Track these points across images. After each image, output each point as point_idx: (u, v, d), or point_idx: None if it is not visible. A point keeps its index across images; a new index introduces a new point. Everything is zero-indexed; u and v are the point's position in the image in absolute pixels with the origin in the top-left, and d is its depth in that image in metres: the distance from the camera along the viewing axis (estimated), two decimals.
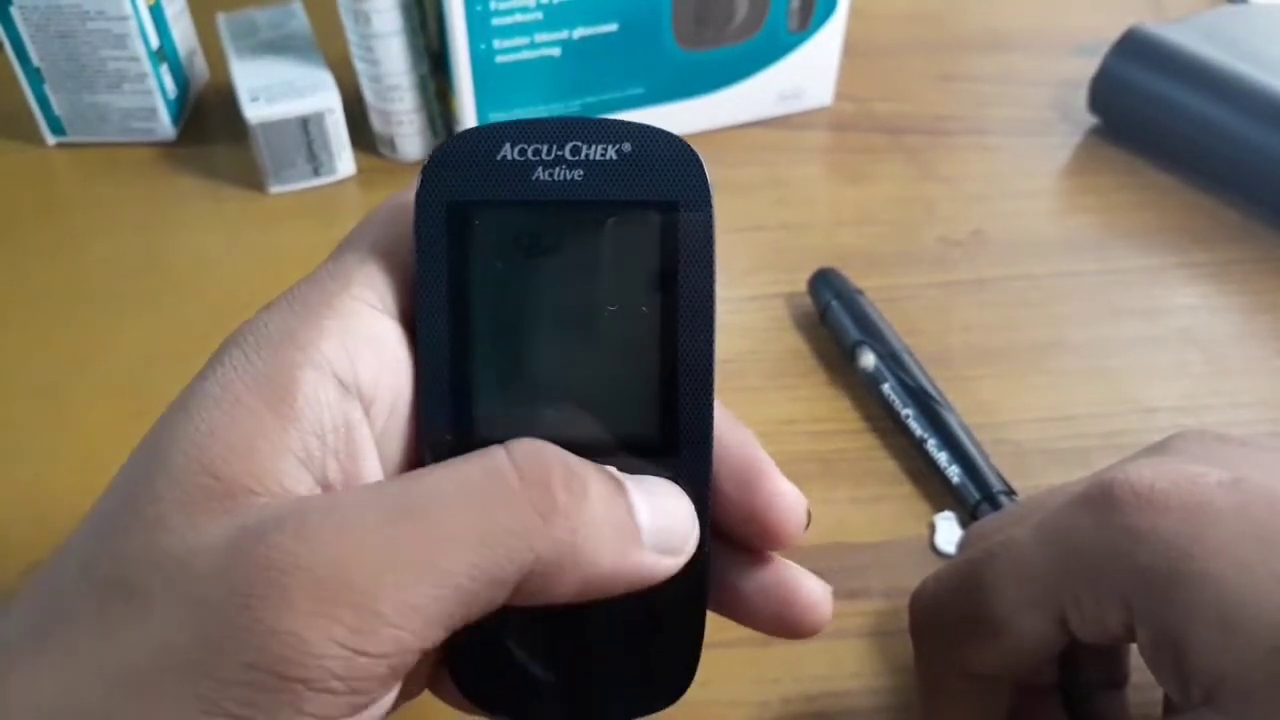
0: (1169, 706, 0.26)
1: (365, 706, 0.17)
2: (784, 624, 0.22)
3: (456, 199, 0.21)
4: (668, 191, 0.21)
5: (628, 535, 0.19)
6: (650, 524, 0.20)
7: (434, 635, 0.18)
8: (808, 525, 0.22)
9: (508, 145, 0.21)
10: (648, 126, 0.21)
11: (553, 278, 0.21)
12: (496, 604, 0.18)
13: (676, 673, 0.22)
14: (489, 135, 0.21)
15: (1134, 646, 0.23)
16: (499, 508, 0.18)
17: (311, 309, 0.20)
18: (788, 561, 0.23)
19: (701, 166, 0.21)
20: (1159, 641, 0.22)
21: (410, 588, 0.17)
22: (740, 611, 0.23)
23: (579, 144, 0.21)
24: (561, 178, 0.21)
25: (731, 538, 0.22)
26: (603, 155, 0.21)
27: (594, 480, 0.19)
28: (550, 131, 0.21)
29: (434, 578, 0.17)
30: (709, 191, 0.21)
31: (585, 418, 0.21)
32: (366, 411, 0.20)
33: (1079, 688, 0.28)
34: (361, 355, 0.20)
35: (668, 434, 0.21)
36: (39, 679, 0.17)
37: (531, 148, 0.21)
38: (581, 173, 0.21)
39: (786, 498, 0.22)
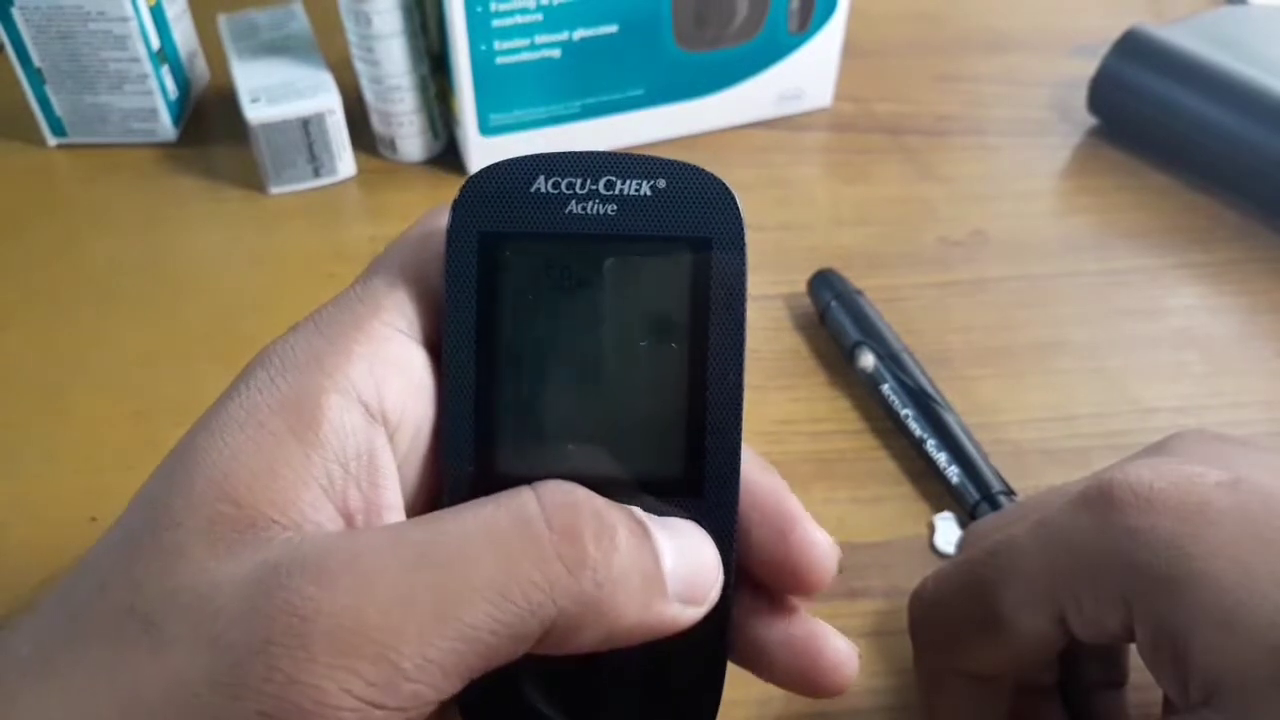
0: (1168, 706, 0.26)
1: None
2: (807, 681, 0.22)
3: (489, 229, 0.21)
4: (702, 229, 0.21)
5: (653, 587, 0.19)
6: (675, 573, 0.19)
7: (451, 687, 0.17)
8: (839, 572, 0.22)
9: (542, 178, 0.21)
10: (683, 163, 0.21)
11: (583, 312, 0.21)
12: (517, 655, 0.18)
13: (696, 717, 0.22)
14: (523, 167, 0.21)
15: (1133, 646, 0.23)
16: (525, 559, 0.18)
17: (340, 332, 0.20)
18: (815, 618, 0.22)
19: (736, 205, 0.21)
20: (1158, 641, 0.22)
21: (430, 640, 0.17)
22: (763, 665, 0.22)
23: (613, 179, 0.21)
24: (595, 212, 0.21)
25: (758, 583, 0.22)
26: (637, 190, 0.21)
27: (622, 528, 0.19)
28: (585, 165, 0.21)
29: (455, 630, 0.17)
30: (743, 231, 0.21)
31: (610, 456, 0.21)
32: (391, 438, 0.20)
33: (1079, 687, 0.28)
34: (388, 381, 0.20)
35: (694, 475, 0.21)
36: (49, 697, 0.17)
37: (566, 181, 0.21)
38: (615, 208, 0.21)
39: (820, 546, 0.21)
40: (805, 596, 0.22)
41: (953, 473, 0.36)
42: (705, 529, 0.21)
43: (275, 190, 0.51)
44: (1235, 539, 0.21)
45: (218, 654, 0.16)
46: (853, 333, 0.41)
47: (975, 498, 0.35)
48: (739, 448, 0.21)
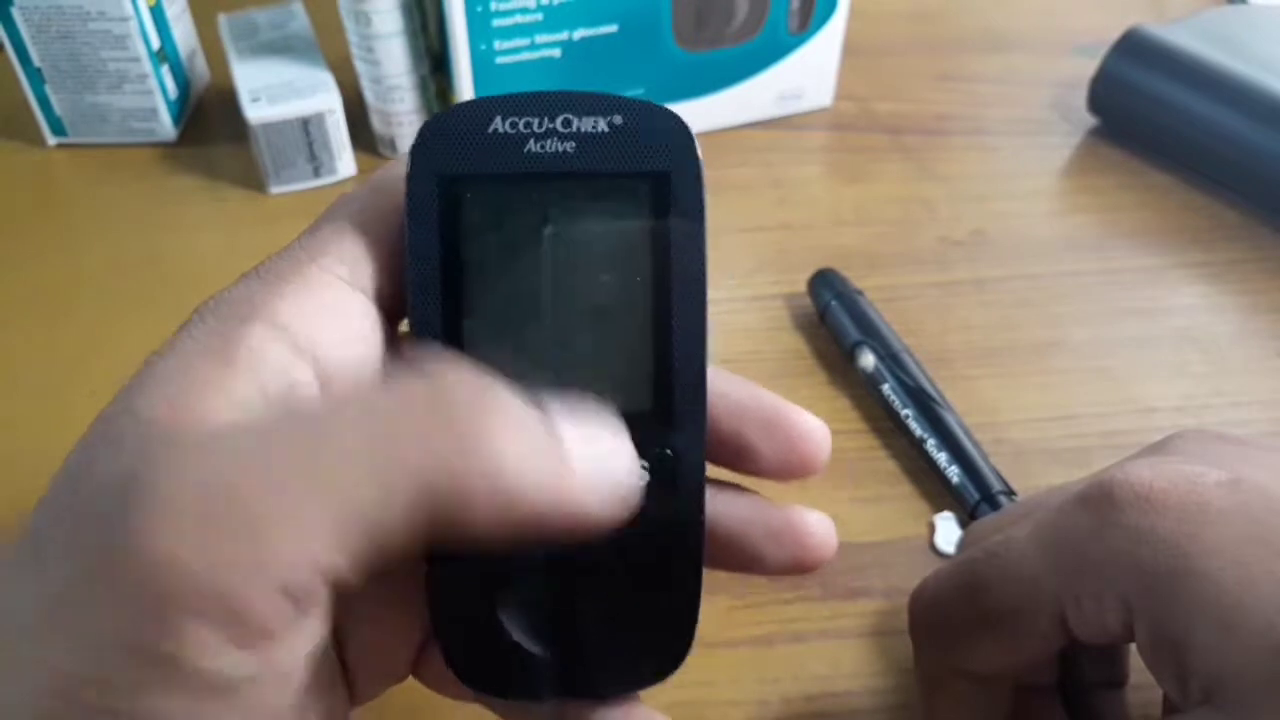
0: (1168, 706, 0.26)
1: (264, 647, 0.16)
2: (799, 563, 0.22)
3: (447, 172, 0.21)
4: (659, 163, 0.21)
5: (549, 454, 0.18)
6: (582, 452, 0.18)
7: (323, 555, 0.16)
8: None
9: (499, 118, 0.21)
10: (638, 100, 0.21)
11: (545, 251, 0.21)
12: (403, 530, 0.17)
13: (674, 641, 0.22)
14: (480, 109, 0.21)
15: (1133, 646, 0.23)
16: (393, 423, 0.17)
17: (278, 276, 0.20)
18: (789, 505, 0.23)
19: (691, 137, 0.21)
20: (1158, 641, 0.22)
21: (279, 494, 0.16)
22: (757, 563, 0.23)
23: (570, 116, 0.21)
24: (553, 150, 0.21)
25: (761, 475, 0.22)
26: (594, 128, 0.21)
27: (510, 400, 0.18)
28: (542, 104, 0.21)
29: (309, 484, 0.16)
30: (699, 162, 0.21)
31: (579, 391, 0.21)
32: (326, 383, 0.20)
33: (1079, 687, 0.28)
34: (322, 325, 0.20)
35: (662, 405, 0.21)
36: None
37: (523, 121, 0.21)
38: (573, 145, 0.21)
39: (816, 432, 0.22)
40: (805, 478, 0.22)
41: (953, 472, 0.36)
42: (677, 454, 0.21)
43: (275, 190, 0.51)
44: (1235, 539, 0.21)
45: (77, 557, 0.16)
46: (853, 332, 0.41)
47: (975, 497, 0.35)
48: (705, 376, 0.21)
